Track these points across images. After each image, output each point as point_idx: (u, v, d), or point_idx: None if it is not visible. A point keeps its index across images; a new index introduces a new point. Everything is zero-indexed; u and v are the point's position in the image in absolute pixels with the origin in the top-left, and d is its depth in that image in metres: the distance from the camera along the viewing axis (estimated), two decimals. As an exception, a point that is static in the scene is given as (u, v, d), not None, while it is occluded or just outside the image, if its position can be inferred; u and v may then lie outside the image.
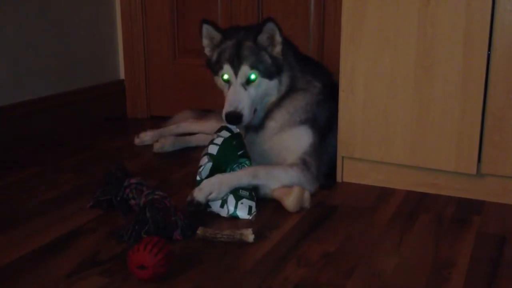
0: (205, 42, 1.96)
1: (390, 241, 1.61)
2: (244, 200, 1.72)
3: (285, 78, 1.91)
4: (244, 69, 1.83)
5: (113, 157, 2.32)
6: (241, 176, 1.76)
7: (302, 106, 1.95)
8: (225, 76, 1.87)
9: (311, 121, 1.95)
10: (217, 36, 1.92)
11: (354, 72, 1.93)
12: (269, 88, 1.88)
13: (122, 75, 2.97)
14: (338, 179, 2.05)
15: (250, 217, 1.72)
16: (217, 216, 1.73)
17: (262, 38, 1.84)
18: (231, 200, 1.72)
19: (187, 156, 2.31)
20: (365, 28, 1.88)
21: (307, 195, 1.78)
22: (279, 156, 1.92)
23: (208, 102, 2.63)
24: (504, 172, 1.82)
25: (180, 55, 2.87)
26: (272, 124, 1.93)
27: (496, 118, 1.78)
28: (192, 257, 1.49)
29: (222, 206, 1.72)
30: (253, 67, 1.83)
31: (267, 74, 1.86)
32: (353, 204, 1.86)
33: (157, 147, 2.38)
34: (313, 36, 2.56)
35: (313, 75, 2.00)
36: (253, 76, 1.84)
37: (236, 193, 1.73)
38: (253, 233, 1.56)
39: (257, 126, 1.94)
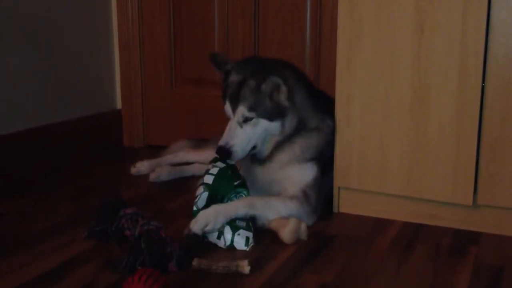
0: (218, 73, 1.98)
1: (387, 272, 1.60)
2: (241, 231, 1.71)
3: (289, 121, 1.88)
4: (241, 109, 1.83)
5: (109, 186, 2.31)
6: (237, 207, 1.75)
7: (314, 145, 1.94)
8: (226, 112, 1.89)
9: (318, 158, 1.95)
10: (225, 69, 1.93)
11: (350, 102, 1.94)
12: (270, 128, 1.86)
13: (119, 104, 2.98)
14: (335, 209, 2.04)
15: (248, 249, 1.70)
16: (214, 246, 1.72)
17: (267, 86, 1.82)
18: (227, 231, 1.70)
19: (183, 186, 2.30)
20: (360, 59, 1.90)
21: (303, 227, 1.77)
22: (280, 186, 1.92)
23: (206, 131, 2.64)
24: (500, 203, 1.82)
25: (177, 84, 2.88)
26: (281, 158, 1.92)
27: (491, 149, 1.79)
28: (187, 288, 1.47)
29: (219, 237, 1.71)
30: (250, 108, 1.82)
31: (267, 116, 1.84)
32: (350, 234, 1.86)
33: (153, 177, 2.38)
34: (309, 67, 2.58)
35: (327, 113, 1.97)
36: (250, 117, 1.83)
37: (233, 223, 1.72)
38: (249, 264, 1.54)
39: (265, 159, 1.93)
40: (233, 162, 1.86)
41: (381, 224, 1.93)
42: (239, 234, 1.71)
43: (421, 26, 1.79)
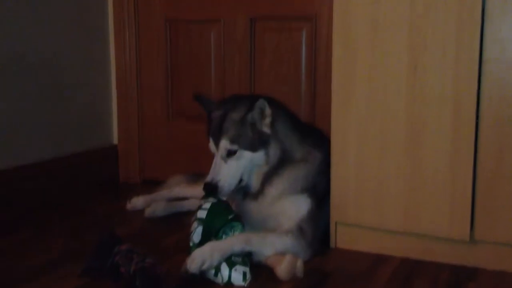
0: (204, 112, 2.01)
1: (385, 310, 1.58)
2: (237, 267, 1.70)
3: (273, 149, 1.90)
4: (224, 143, 1.85)
5: (104, 222, 2.30)
6: (233, 243, 1.74)
7: (302, 176, 1.95)
8: (211, 149, 1.91)
9: (311, 190, 1.95)
10: (208, 108, 1.98)
11: (346, 138, 1.95)
12: (254, 159, 1.88)
13: (115, 140, 2.99)
14: (332, 245, 2.03)
15: (245, 284, 1.69)
16: (211, 283, 1.70)
17: (253, 115, 1.85)
18: (224, 267, 1.69)
19: (179, 221, 2.29)
20: (355, 95, 1.91)
21: (300, 263, 1.75)
22: (275, 221, 1.91)
23: (202, 166, 2.62)
24: (497, 238, 1.81)
25: (173, 119, 2.90)
26: (271, 191, 1.93)
27: (487, 185, 1.79)
28: (182, 327, 1.46)
29: (216, 274, 1.69)
30: (233, 141, 1.84)
31: (250, 147, 1.86)
32: (347, 271, 1.84)
33: (148, 212, 2.37)
34: (305, 103, 2.60)
35: (314, 145, 1.99)
36: (233, 150, 1.85)
37: (229, 259, 1.71)
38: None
39: (257, 193, 1.93)
40: (223, 198, 1.86)
41: (378, 260, 1.91)
42: (236, 270, 1.69)
43: (415, 63, 1.82)
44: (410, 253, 1.93)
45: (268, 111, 1.86)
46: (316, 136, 2.06)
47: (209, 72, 2.78)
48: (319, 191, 1.98)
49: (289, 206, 1.91)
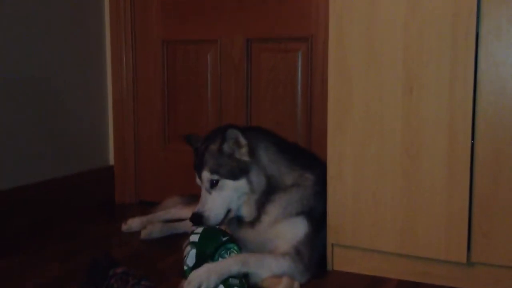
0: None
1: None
2: None
3: (255, 177, 1.91)
4: (205, 174, 1.90)
5: (100, 244, 2.28)
6: (230, 264, 1.73)
7: (296, 200, 1.95)
8: (197, 183, 1.96)
9: (307, 213, 1.95)
10: (194, 144, 2.05)
11: (342, 159, 1.95)
12: (238, 187, 1.90)
13: (111, 161, 2.98)
14: (329, 267, 2.02)
15: None
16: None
17: (228, 145, 1.89)
18: None
19: (175, 243, 2.27)
20: (351, 117, 1.92)
21: (296, 286, 1.75)
22: (272, 245, 1.91)
23: (198, 188, 2.62)
24: (494, 260, 1.80)
25: (170, 141, 2.90)
26: (266, 219, 1.93)
27: (484, 206, 1.79)
28: None
29: None
30: (212, 171, 1.89)
31: (231, 175, 1.89)
32: (344, 294, 1.83)
33: (144, 234, 2.35)
34: (301, 123, 2.61)
35: (305, 168, 2.00)
36: (214, 180, 1.89)
37: (226, 282, 1.69)
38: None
39: (253, 221, 1.94)
40: (230, 225, 1.89)
41: (375, 283, 1.90)
42: None
43: (410, 86, 1.83)
44: (407, 276, 1.92)
45: (242, 140, 1.90)
46: (307, 158, 2.07)
47: (205, 93, 2.79)
48: (316, 214, 1.97)
49: (285, 230, 1.91)
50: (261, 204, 1.93)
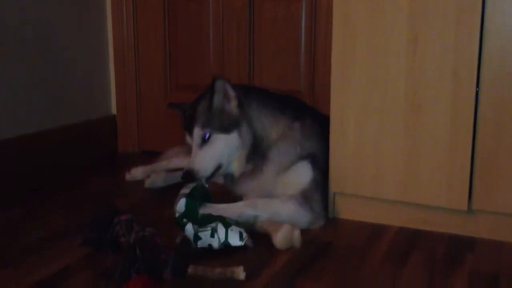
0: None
1: (382, 281, 1.59)
2: (233, 227, 1.73)
3: (245, 130, 1.93)
4: (196, 130, 1.91)
5: (104, 194, 2.30)
6: (244, 206, 1.83)
7: (296, 142, 1.97)
8: (188, 142, 1.98)
9: (311, 157, 1.97)
10: (182, 109, 2.06)
11: (344, 110, 1.94)
12: (229, 141, 1.91)
13: (114, 111, 2.98)
14: (330, 215, 2.04)
15: (243, 243, 1.71)
16: (209, 253, 1.71)
17: (218, 97, 1.90)
18: (220, 228, 1.71)
19: (178, 192, 2.29)
20: (355, 68, 1.90)
21: (297, 233, 1.77)
22: (279, 192, 1.94)
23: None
24: (495, 208, 1.82)
25: (172, 90, 2.88)
26: (269, 167, 1.97)
27: (485, 156, 1.79)
28: (182, 296, 1.47)
29: (212, 235, 1.71)
30: (204, 126, 1.90)
31: (222, 129, 1.90)
32: (345, 241, 1.85)
33: (148, 183, 2.37)
34: (304, 75, 2.58)
35: (293, 119, 2.01)
36: (206, 134, 1.89)
37: (224, 221, 1.74)
38: (244, 270, 1.54)
39: (252, 171, 1.97)
40: (203, 183, 1.89)
41: (376, 230, 1.93)
42: (232, 230, 1.72)
43: (415, 35, 1.80)
44: (408, 223, 1.95)
45: (231, 92, 1.90)
46: (299, 110, 2.06)
47: (207, 43, 2.75)
48: (321, 160, 1.99)
49: (290, 176, 1.95)
50: (258, 157, 1.95)
